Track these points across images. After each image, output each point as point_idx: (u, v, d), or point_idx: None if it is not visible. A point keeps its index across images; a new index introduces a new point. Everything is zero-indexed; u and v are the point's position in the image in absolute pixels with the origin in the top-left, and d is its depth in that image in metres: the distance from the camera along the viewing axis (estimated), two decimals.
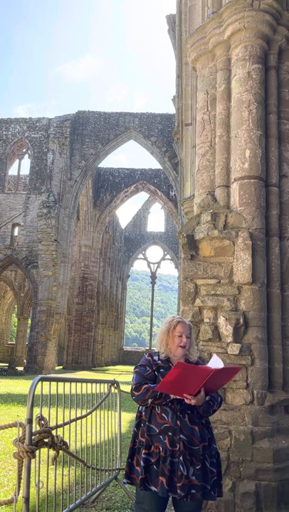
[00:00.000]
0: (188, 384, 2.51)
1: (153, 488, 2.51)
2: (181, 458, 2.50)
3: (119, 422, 4.97)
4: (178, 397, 2.59)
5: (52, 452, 3.25)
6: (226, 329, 4.26)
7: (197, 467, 2.53)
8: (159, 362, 2.78)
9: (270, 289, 4.57)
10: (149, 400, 2.63)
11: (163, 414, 2.61)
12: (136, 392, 2.69)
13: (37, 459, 2.98)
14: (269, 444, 3.98)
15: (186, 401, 2.55)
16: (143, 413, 2.71)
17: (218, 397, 2.76)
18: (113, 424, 4.94)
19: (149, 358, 2.84)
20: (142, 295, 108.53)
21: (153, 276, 46.38)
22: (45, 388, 3.22)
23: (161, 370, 2.73)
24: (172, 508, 2.82)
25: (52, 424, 3.27)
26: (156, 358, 2.83)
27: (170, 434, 2.55)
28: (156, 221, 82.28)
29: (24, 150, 26.11)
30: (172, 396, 2.61)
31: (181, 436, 2.54)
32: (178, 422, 2.57)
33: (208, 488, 2.57)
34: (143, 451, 2.57)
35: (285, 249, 4.79)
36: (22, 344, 33.10)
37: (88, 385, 4.41)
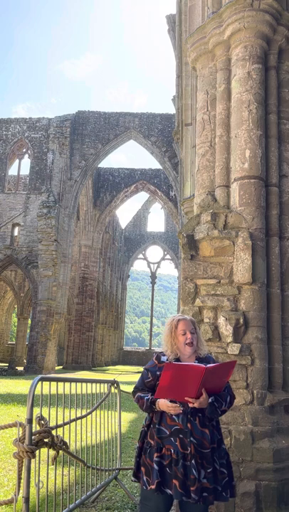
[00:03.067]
0: (185, 385, 2.48)
1: (168, 492, 2.50)
2: (193, 461, 2.49)
3: (119, 422, 4.97)
4: (174, 405, 2.55)
5: (52, 452, 3.25)
6: (226, 329, 4.25)
7: (208, 470, 2.52)
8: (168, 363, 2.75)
9: (270, 289, 4.56)
10: (142, 409, 2.70)
11: (174, 416, 2.59)
12: (133, 396, 2.83)
13: (37, 459, 2.98)
14: (269, 444, 3.98)
15: (190, 404, 2.53)
16: (154, 414, 2.69)
17: (227, 396, 2.72)
18: (113, 424, 4.94)
19: (156, 361, 2.79)
20: (142, 295, 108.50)
21: (153, 276, 46.36)
22: (45, 388, 3.22)
23: None
24: (173, 508, 2.82)
25: (52, 424, 3.27)
26: (164, 358, 2.77)
27: (181, 436, 2.54)
28: (156, 221, 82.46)
29: (24, 150, 26.10)
30: (157, 408, 2.60)
31: (192, 439, 2.53)
32: (188, 425, 2.55)
33: (219, 490, 2.56)
34: (155, 455, 2.56)
35: (285, 249, 4.79)
36: (22, 344, 33.09)
37: (88, 385, 4.41)
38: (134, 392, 2.81)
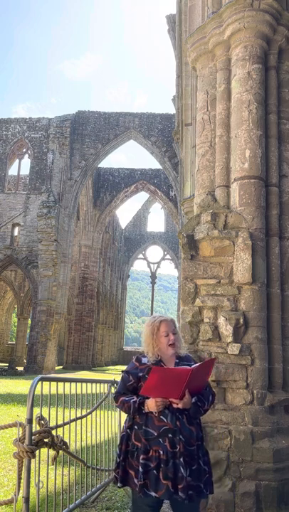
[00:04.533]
0: (170, 387, 2.49)
1: (153, 494, 2.48)
2: (181, 459, 2.49)
3: (119, 422, 4.97)
4: (162, 399, 2.54)
5: (52, 452, 3.25)
6: (226, 329, 4.25)
7: (193, 467, 2.53)
8: (149, 364, 2.71)
9: (270, 289, 4.56)
10: (129, 413, 2.66)
11: (161, 417, 2.57)
12: (115, 402, 2.77)
13: (37, 459, 2.98)
14: (269, 444, 3.98)
15: (174, 405, 2.54)
16: (137, 415, 2.64)
17: (209, 395, 2.73)
18: (113, 424, 4.94)
19: (137, 363, 2.76)
20: (142, 295, 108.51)
21: (153, 276, 46.36)
22: (45, 388, 3.23)
23: None
24: (169, 509, 2.82)
25: (52, 424, 3.27)
26: (145, 360, 2.76)
27: (170, 435, 2.53)
28: (156, 221, 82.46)
29: (24, 150, 26.10)
30: (146, 409, 2.58)
31: (180, 437, 2.53)
32: (177, 423, 2.56)
33: (201, 487, 2.56)
34: (141, 457, 2.53)
35: (285, 249, 4.79)
36: (22, 344, 33.09)
37: (88, 385, 4.41)
38: (116, 398, 2.75)
